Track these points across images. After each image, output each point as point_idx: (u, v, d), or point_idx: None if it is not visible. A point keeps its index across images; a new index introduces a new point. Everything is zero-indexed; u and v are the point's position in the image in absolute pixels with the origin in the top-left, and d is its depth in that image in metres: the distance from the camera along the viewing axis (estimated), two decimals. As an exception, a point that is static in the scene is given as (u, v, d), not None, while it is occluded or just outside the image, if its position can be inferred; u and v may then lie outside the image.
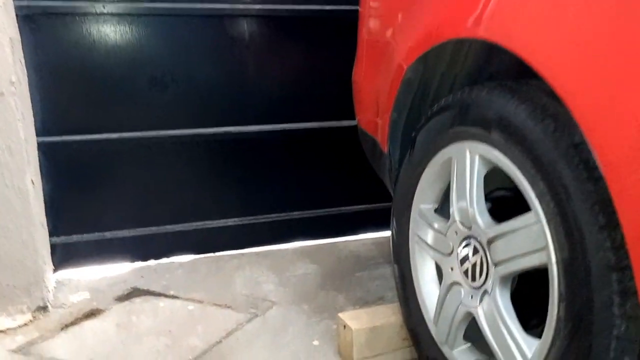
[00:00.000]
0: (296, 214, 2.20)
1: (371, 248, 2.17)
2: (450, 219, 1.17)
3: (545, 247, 0.91)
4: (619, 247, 0.81)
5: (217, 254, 2.11)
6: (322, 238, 2.23)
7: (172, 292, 1.80)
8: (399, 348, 1.36)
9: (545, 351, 0.92)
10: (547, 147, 0.92)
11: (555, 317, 0.90)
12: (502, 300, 1.04)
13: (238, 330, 1.57)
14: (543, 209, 0.92)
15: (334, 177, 2.21)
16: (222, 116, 2.02)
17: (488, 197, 1.13)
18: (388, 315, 1.39)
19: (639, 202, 0.76)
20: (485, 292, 1.07)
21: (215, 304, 1.73)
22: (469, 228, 1.12)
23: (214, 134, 2.02)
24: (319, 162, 2.19)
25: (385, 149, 1.46)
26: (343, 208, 2.25)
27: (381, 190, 1.70)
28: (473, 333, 1.14)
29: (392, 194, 1.43)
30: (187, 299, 1.76)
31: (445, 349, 1.18)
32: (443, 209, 1.23)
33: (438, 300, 1.22)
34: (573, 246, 0.86)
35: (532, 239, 0.94)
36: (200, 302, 1.74)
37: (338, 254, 2.12)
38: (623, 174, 0.77)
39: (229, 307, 1.71)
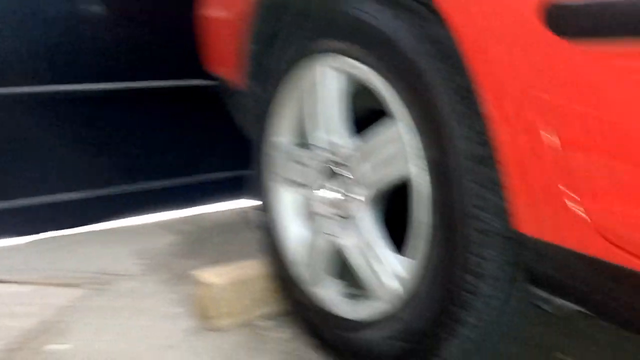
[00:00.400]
0: (152, 185, 1.97)
1: (235, 217, 2.02)
2: (310, 147, 1.05)
3: (411, 153, 0.83)
4: (487, 138, 0.74)
5: (62, 232, 1.83)
6: (183, 208, 2.03)
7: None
8: (265, 300, 1.23)
9: (422, 268, 0.84)
10: (405, 44, 0.83)
11: (430, 227, 0.82)
12: (371, 225, 0.95)
13: (80, 307, 1.35)
14: (404, 111, 0.84)
15: (194, 142, 2.02)
16: (56, 72, 1.74)
17: (349, 121, 1.03)
18: (251, 268, 1.25)
19: (501, 86, 0.70)
20: (352, 219, 0.98)
21: (55, 284, 1.48)
22: (331, 153, 1.01)
23: (47, 93, 1.74)
24: (176, 125, 1.98)
25: (242, 87, 1.32)
26: (205, 176, 2.06)
27: (248, 155, 1.55)
28: (343, 268, 1.04)
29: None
30: (18, 282, 1.49)
31: (314, 290, 1.07)
32: (303, 139, 1.11)
33: (303, 238, 1.11)
34: (441, 145, 0.79)
35: (396, 147, 0.86)
36: (36, 283, 1.48)
37: (200, 224, 1.95)
38: (485, 61, 0.73)
39: (72, 285, 1.47)
